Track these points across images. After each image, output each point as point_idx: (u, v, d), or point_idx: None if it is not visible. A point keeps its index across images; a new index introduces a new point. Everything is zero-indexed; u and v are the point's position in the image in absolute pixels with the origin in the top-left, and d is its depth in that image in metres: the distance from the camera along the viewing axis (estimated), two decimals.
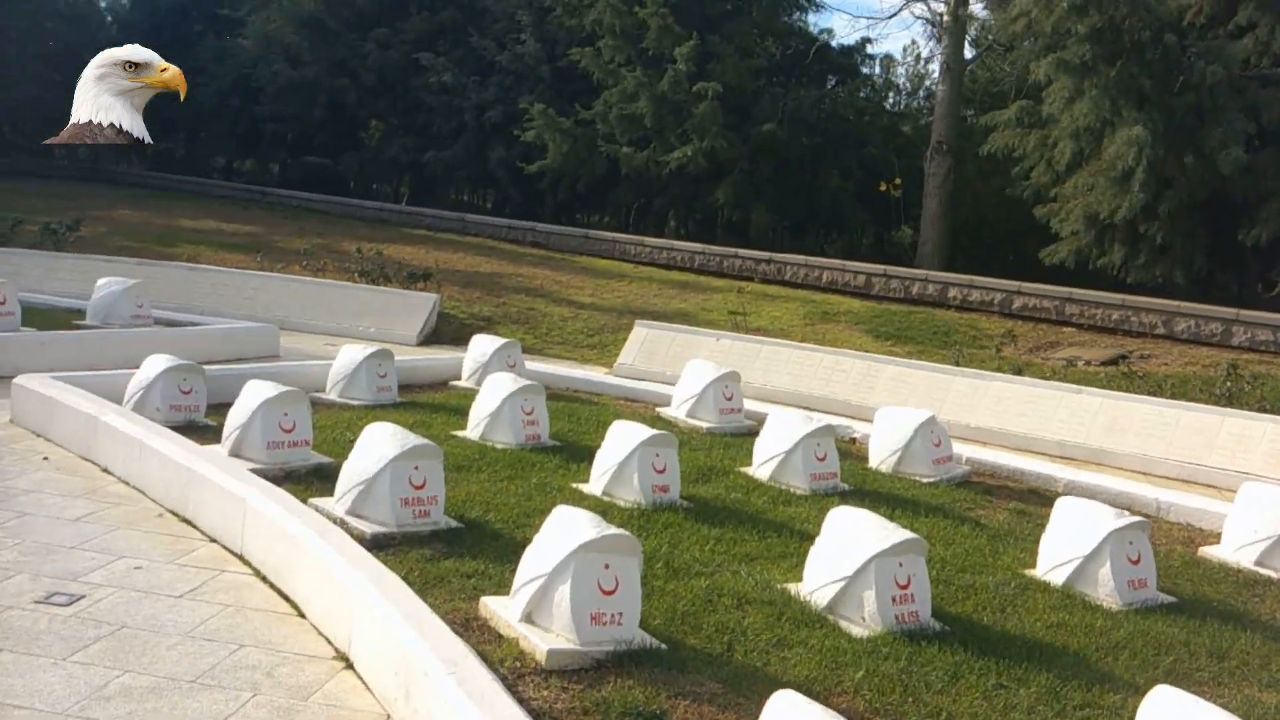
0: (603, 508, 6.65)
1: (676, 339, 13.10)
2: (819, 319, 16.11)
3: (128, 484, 7.04)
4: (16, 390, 8.27)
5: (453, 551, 5.69)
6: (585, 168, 23.66)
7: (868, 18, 58.24)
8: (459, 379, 10.81)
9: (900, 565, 5.26)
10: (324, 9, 28.57)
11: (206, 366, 10.50)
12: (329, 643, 4.91)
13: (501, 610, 4.81)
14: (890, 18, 25.26)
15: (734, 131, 21.87)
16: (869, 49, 25.30)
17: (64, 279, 14.95)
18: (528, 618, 4.70)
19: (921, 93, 27.81)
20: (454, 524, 6.09)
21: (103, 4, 36.85)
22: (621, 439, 7.00)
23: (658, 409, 9.83)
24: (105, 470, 7.30)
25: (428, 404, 9.59)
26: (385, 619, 4.52)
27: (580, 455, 7.94)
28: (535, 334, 15.36)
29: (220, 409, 8.70)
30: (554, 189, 25.80)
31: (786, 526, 6.64)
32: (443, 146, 27.28)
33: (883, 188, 20.50)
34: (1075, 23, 15.11)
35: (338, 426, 8.38)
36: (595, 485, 7.01)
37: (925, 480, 8.08)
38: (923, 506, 7.40)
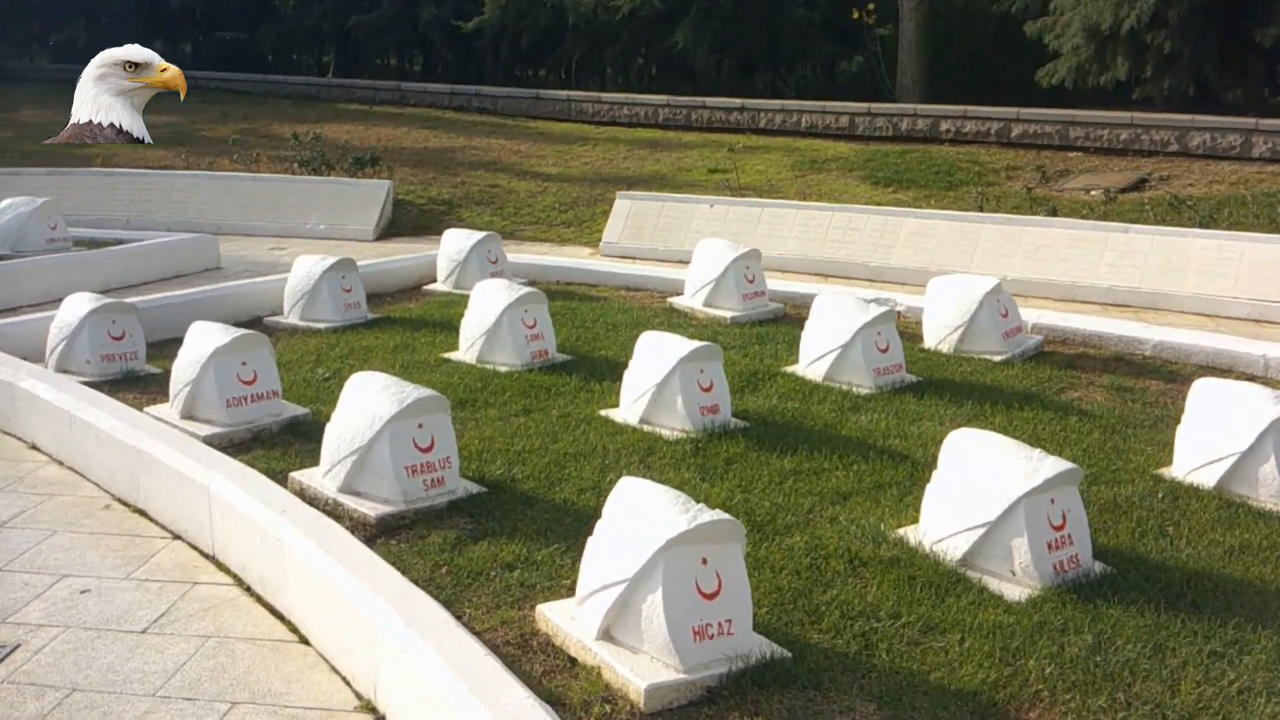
0: (645, 441, 5.52)
1: (665, 209, 11.76)
2: (808, 168, 14.78)
3: (61, 464, 5.77)
4: None
5: (481, 530, 4.54)
6: (528, 19, 21.70)
7: None
8: (434, 282, 9.48)
9: (1053, 502, 4.19)
10: None
11: (140, 293, 9.11)
12: (347, 683, 3.78)
13: (566, 623, 3.69)
14: None
15: None
16: None
17: None
18: (606, 634, 3.59)
19: None
20: (474, 488, 4.92)
21: None
22: (655, 356, 5.80)
23: (669, 300, 8.59)
24: (33, 447, 6.02)
25: (405, 319, 8.29)
26: (418, 657, 3.39)
27: (598, 371, 6.74)
28: (503, 215, 13.93)
29: (162, 348, 7.41)
30: (494, 47, 23.80)
31: (867, 443, 5.54)
32: (367, 9, 25.00)
33: (855, 15, 18.83)
34: None
35: (305, 361, 7.09)
36: (630, 412, 5.85)
37: (997, 359, 7.00)
38: (1009, 395, 6.33)
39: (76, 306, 6.82)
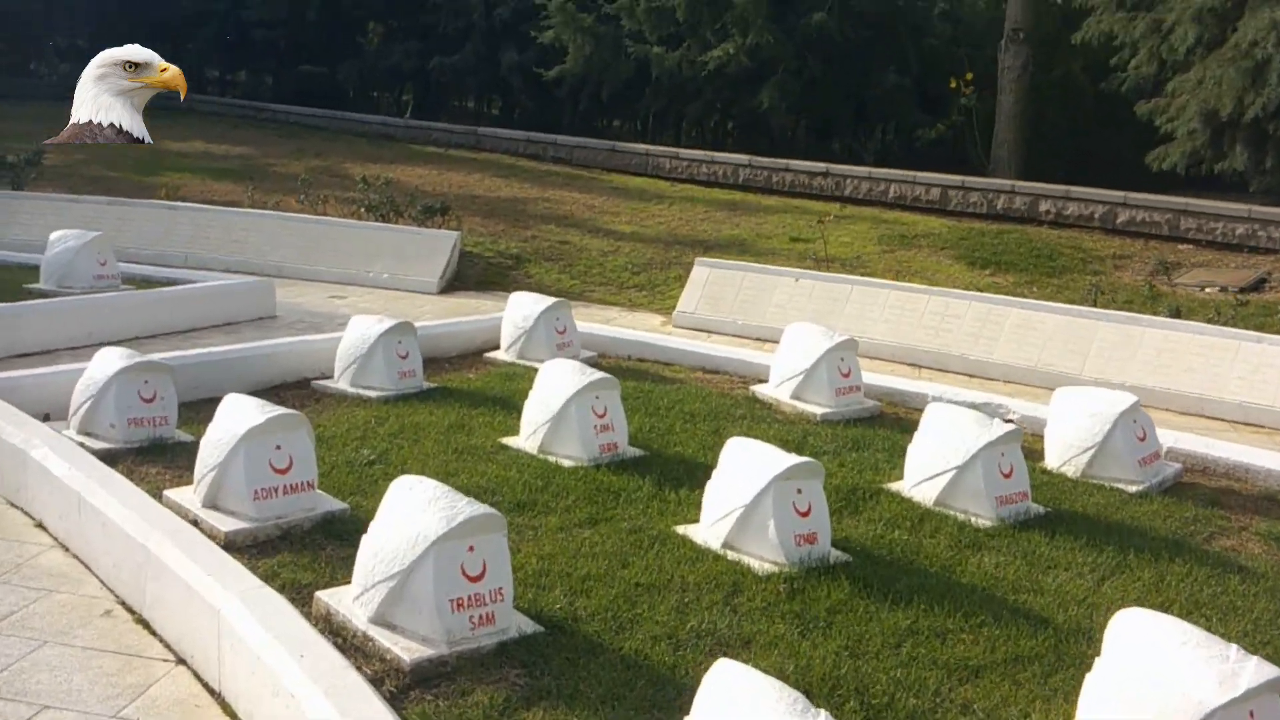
0: (731, 573, 4.72)
1: (745, 280, 11.00)
2: (897, 243, 13.96)
3: (66, 549, 5.11)
4: None
5: (535, 687, 3.76)
6: (610, 71, 21.21)
7: None
8: (496, 349, 8.79)
9: (1251, 716, 3.32)
10: None
11: (188, 340, 8.52)
12: None
13: None
14: None
15: (777, 24, 19.36)
16: None
17: (24, 224, 12.85)
18: None
19: None
20: (528, 626, 4.15)
21: None
22: (744, 469, 5.01)
23: (752, 388, 7.79)
24: (39, 525, 5.37)
25: (463, 391, 7.58)
26: None
27: (674, 474, 5.95)
28: (572, 273, 13.27)
29: (199, 410, 6.76)
30: (574, 96, 23.36)
31: (994, 596, 4.68)
32: (449, 51, 24.74)
33: (953, 84, 18.07)
34: None
35: (350, 437, 6.39)
36: (712, 533, 5.05)
37: (1132, 489, 6.09)
38: (1153, 541, 5.42)
39: (105, 364, 6.20)
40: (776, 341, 10.40)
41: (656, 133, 26.41)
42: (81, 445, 5.89)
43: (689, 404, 7.30)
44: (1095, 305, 10.42)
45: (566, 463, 6.06)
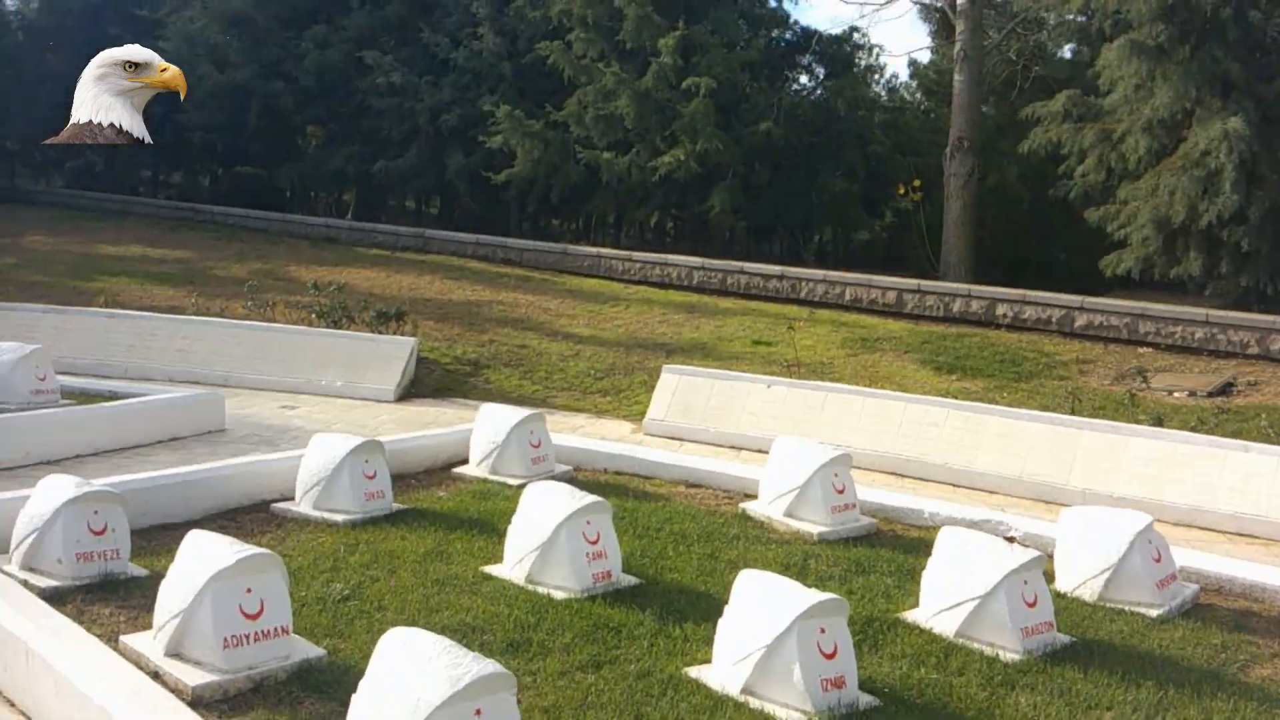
0: None
1: (716, 387, 10.72)
2: (860, 347, 13.84)
3: (12, 704, 4.52)
4: None
5: None
6: (559, 175, 21.16)
7: (860, 2, 53.54)
8: (465, 464, 8.33)
9: None
10: (253, 5, 25.72)
11: (133, 457, 7.95)
12: None
13: None
14: (888, 1, 22.93)
15: (725, 132, 19.54)
16: (856, 38, 23.11)
17: None
18: None
19: (917, 89, 25.59)
20: None
21: (9, 4, 33.49)
22: (765, 608, 4.62)
23: (742, 505, 7.42)
24: None
25: (435, 513, 7.10)
26: None
27: (676, 604, 5.54)
28: (533, 378, 12.89)
29: (150, 539, 6.25)
30: (521, 199, 23.28)
31: None
32: (393, 155, 24.58)
33: (901, 190, 18.30)
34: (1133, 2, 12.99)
35: (319, 568, 5.88)
36: (730, 676, 4.63)
37: (1153, 613, 5.80)
38: (1189, 673, 5.11)
39: (51, 494, 5.66)
40: (752, 450, 10.26)
41: (597, 233, 26.45)
42: (25, 584, 5.34)
43: (678, 523, 6.91)
44: (1074, 413, 10.28)
45: (558, 594, 5.61)
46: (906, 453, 9.63)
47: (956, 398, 11.32)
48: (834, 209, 20.74)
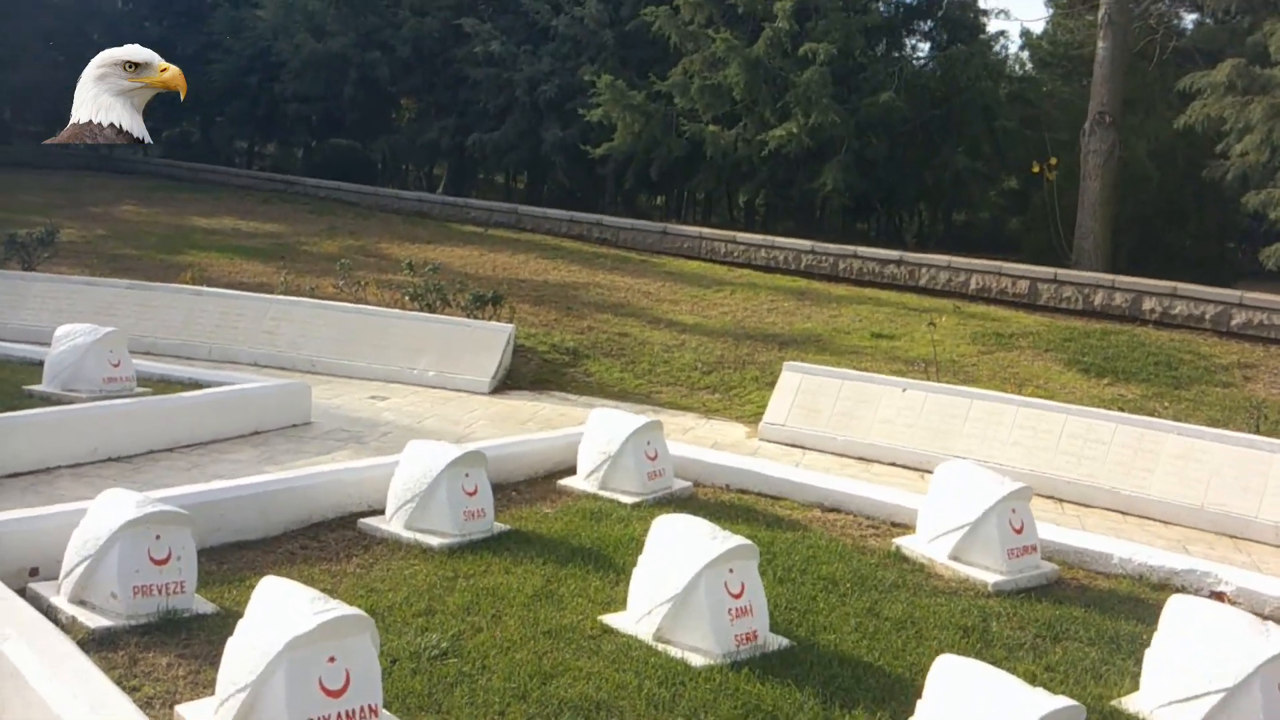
0: None
1: (844, 389, 9.65)
2: (993, 342, 12.62)
3: None
4: None
5: None
6: (660, 149, 20.17)
7: None
8: (571, 474, 7.43)
9: None
10: None
11: (211, 453, 7.19)
12: None
13: None
14: None
15: (840, 103, 18.31)
16: (981, 3, 21.60)
17: (33, 310, 11.68)
18: None
19: (1029, 62, 23.91)
20: None
21: None
22: (976, 706, 3.60)
23: (896, 540, 6.37)
24: None
25: (542, 536, 6.20)
26: None
27: (842, 682, 4.54)
28: (635, 371, 11.96)
29: (222, 559, 5.49)
30: (618, 174, 22.32)
31: None
32: (488, 127, 23.85)
33: (1036, 169, 16.89)
34: None
35: (413, 612, 5.01)
36: None
37: None
38: None
39: (108, 514, 4.88)
40: (884, 462, 9.20)
41: (686, 211, 25.37)
42: (73, 621, 4.59)
43: (824, 563, 5.90)
44: (1259, 431, 9.00)
45: (695, 659, 4.66)
46: (1067, 474, 8.47)
47: (1112, 406, 10.12)
48: (957, 187, 19.35)
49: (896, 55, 20.68)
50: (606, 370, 11.91)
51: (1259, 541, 7.62)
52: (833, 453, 9.31)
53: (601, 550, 5.95)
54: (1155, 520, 8.03)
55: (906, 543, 6.28)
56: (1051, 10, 26.02)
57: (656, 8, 20.05)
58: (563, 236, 19.77)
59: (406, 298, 12.32)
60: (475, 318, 11.92)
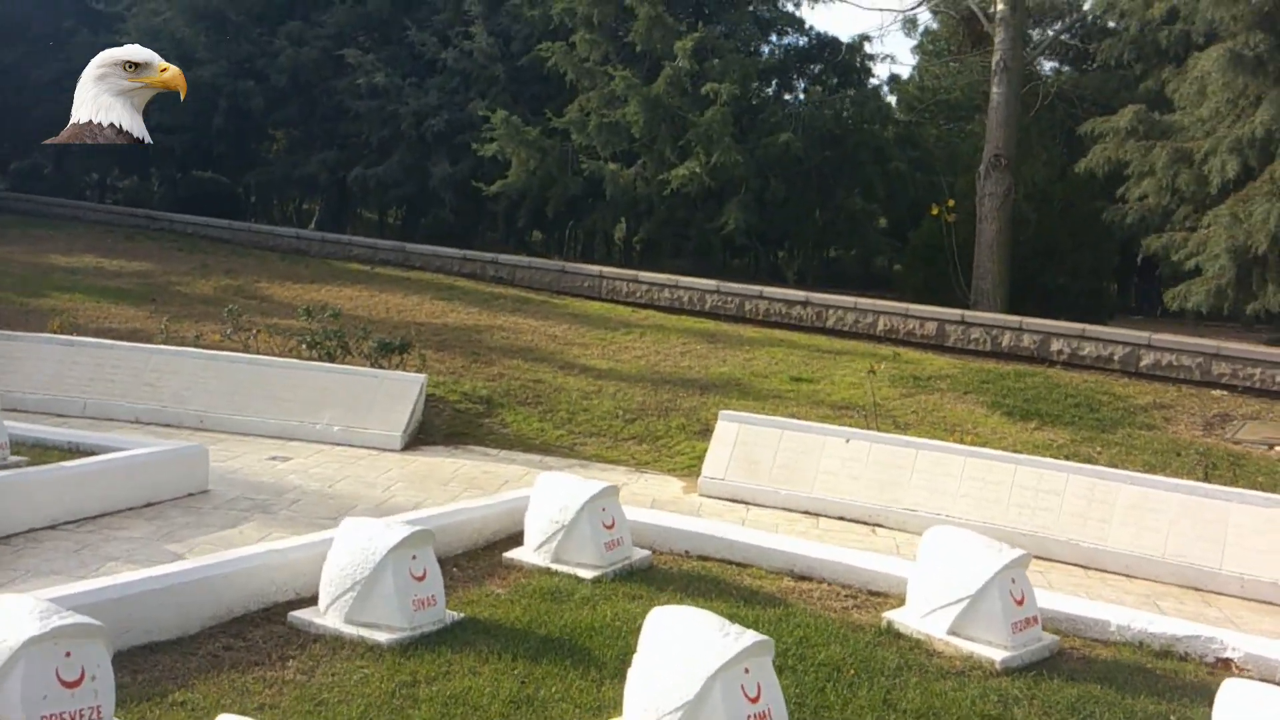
0: None
1: (784, 440, 9.24)
2: (912, 385, 12.44)
3: None
4: None
5: None
6: (556, 187, 19.64)
7: (884, 10, 50.98)
8: (518, 546, 6.78)
9: None
10: None
11: (100, 529, 6.27)
12: None
13: None
14: (918, 6, 21.68)
15: (739, 143, 18.14)
16: (867, 48, 21.82)
17: None
18: None
19: (924, 104, 24.35)
20: None
21: None
22: None
23: (887, 616, 5.92)
24: None
25: (502, 626, 5.53)
26: None
27: None
28: (554, 420, 11.33)
29: (134, 664, 4.69)
30: (510, 211, 21.68)
31: None
32: (372, 161, 22.90)
33: (934, 211, 16.99)
34: (1228, 8, 11.77)
35: None
36: None
37: None
38: None
39: (12, 628, 4.03)
40: (830, 516, 8.79)
41: (569, 248, 24.81)
42: None
43: (819, 646, 5.40)
44: (1209, 478, 8.95)
45: None
46: (1022, 526, 8.21)
47: (1045, 452, 10.00)
48: (852, 229, 19.37)
49: (789, 97, 20.74)
50: (524, 420, 11.25)
51: (1225, 594, 7.48)
52: (777, 507, 8.88)
53: (574, 641, 5.33)
54: (1118, 574, 7.83)
55: (897, 617, 5.84)
56: (918, 57, 26.71)
57: (552, 43, 19.60)
58: (456, 275, 18.99)
59: (303, 345, 11.42)
60: (381, 366, 11.12)
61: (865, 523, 8.62)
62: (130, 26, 24.79)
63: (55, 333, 11.44)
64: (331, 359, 11.11)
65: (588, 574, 6.31)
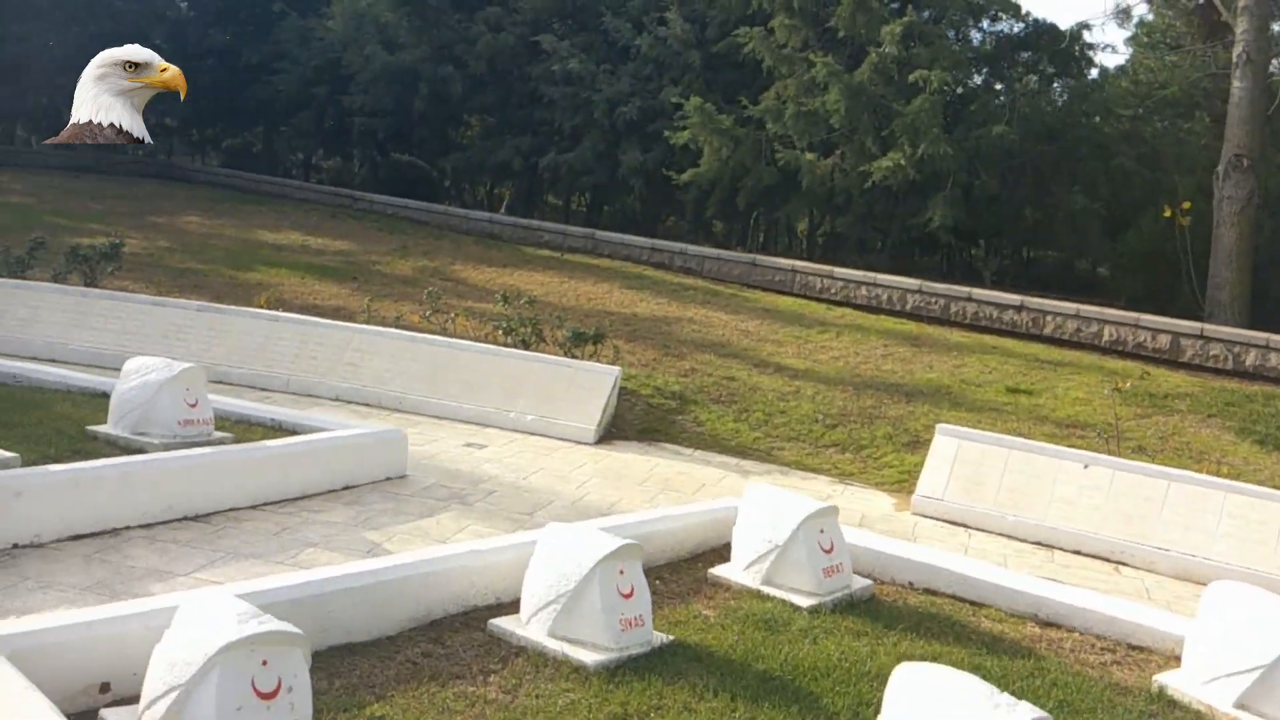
0: None
1: (1011, 460, 8.40)
2: (1147, 404, 11.30)
3: None
4: None
5: None
6: (750, 177, 19.02)
7: None
8: (724, 563, 6.25)
9: None
10: None
11: (300, 512, 6.10)
12: None
13: None
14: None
15: (949, 135, 17.09)
16: (1086, 37, 20.22)
17: (95, 329, 10.71)
18: None
19: (1149, 97, 22.48)
20: None
21: None
22: None
23: (1158, 679, 5.11)
24: None
25: (715, 657, 5.01)
26: None
27: None
28: (750, 421, 10.77)
29: (330, 667, 4.39)
30: (700, 200, 21.17)
31: None
32: (564, 148, 22.83)
33: (1167, 213, 15.59)
34: None
35: None
36: None
37: None
38: None
39: (201, 631, 3.76)
40: (1066, 549, 7.91)
41: (752, 240, 24.05)
42: None
43: (1083, 712, 4.66)
44: None
45: None
46: None
47: None
48: (1071, 229, 18.01)
49: (999, 87, 19.46)
50: (718, 419, 10.73)
51: None
52: (1003, 534, 8.07)
53: (797, 683, 4.75)
54: None
55: (1171, 681, 5.02)
56: (1132, 49, 24.70)
57: (750, 29, 18.97)
58: (644, 264, 18.67)
59: (499, 331, 11.22)
60: (574, 356, 10.80)
61: (1107, 559, 7.73)
62: (335, 10, 25.57)
63: (262, 308, 11.61)
64: (526, 346, 10.86)
65: (803, 601, 5.72)
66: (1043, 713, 3.68)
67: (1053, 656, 5.37)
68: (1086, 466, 8.16)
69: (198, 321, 10.71)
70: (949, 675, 3.85)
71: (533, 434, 9.77)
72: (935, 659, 5.05)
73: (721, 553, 6.48)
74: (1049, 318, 14.35)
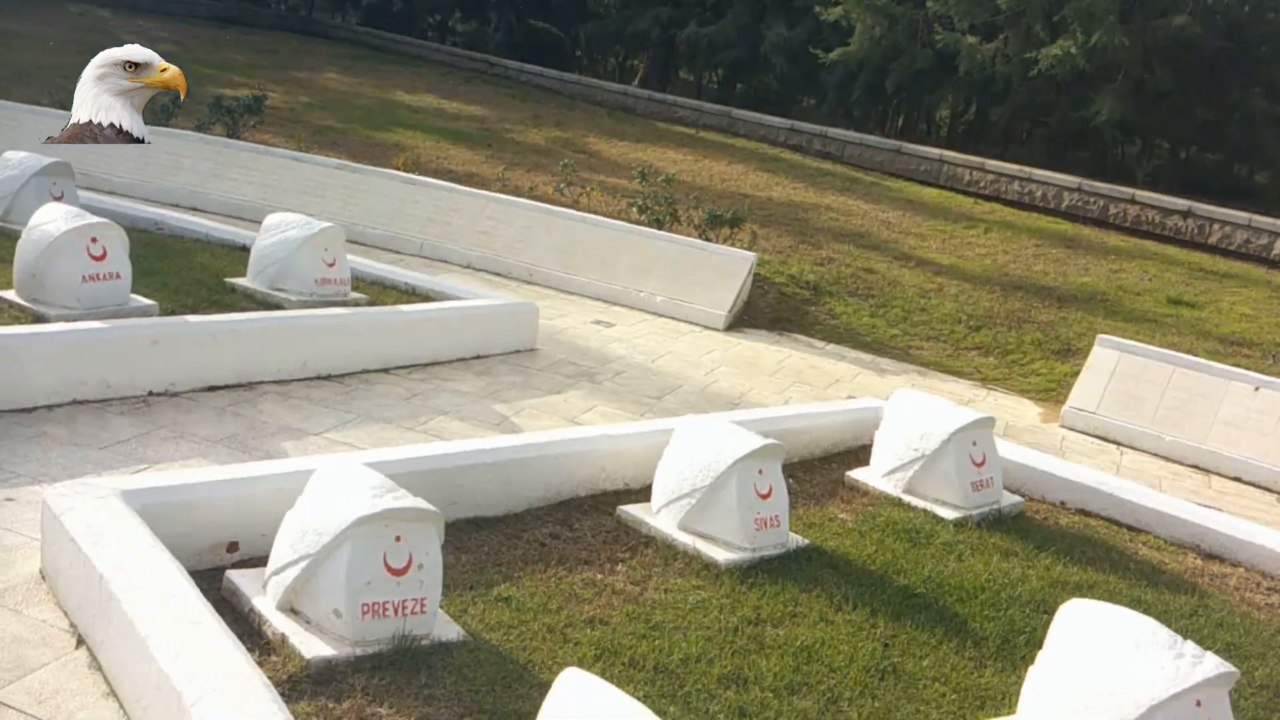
0: None
1: (1175, 378, 7.83)
2: None
3: None
4: (47, 519, 3.88)
5: None
6: (902, 59, 18.01)
7: None
8: (862, 466, 5.94)
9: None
10: None
11: (430, 377, 6.04)
12: None
13: None
14: None
15: (1126, 24, 15.78)
16: None
17: (236, 180, 10.75)
18: None
19: None
20: None
21: None
22: None
23: None
24: None
25: (851, 564, 4.76)
26: None
27: None
28: (887, 317, 10.32)
29: (461, 540, 4.31)
30: (844, 83, 20.20)
31: None
32: (705, 21, 21.98)
33: None
34: None
35: (719, 678, 3.68)
36: None
37: None
38: None
39: (333, 501, 3.66)
40: (1225, 476, 7.39)
41: (890, 128, 22.88)
42: (283, 642, 3.44)
43: (1253, 658, 4.29)
44: None
45: None
46: None
47: None
48: (1247, 132, 16.64)
49: None
50: (854, 313, 10.31)
51: None
52: (1159, 455, 7.58)
53: (942, 602, 4.49)
54: None
55: None
56: None
57: None
58: (780, 146, 18.00)
59: (634, 208, 10.91)
60: (708, 239, 10.44)
61: (1271, 490, 7.19)
62: None
63: (399, 170, 11.51)
64: (660, 226, 10.53)
65: (948, 514, 5.41)
66: (1231, 667, 3.33)
67: (1216, 593, 4.98)
68: (1258, 389, 7.55)
69: (335, 179, 10.66)
70: (1126, 618, 3.50)
71: (661, 315, 9.53)
72: (1091, 587, 4.72)
73: (858, 454, 6.19)
74: (1216, 226, 13.36)
